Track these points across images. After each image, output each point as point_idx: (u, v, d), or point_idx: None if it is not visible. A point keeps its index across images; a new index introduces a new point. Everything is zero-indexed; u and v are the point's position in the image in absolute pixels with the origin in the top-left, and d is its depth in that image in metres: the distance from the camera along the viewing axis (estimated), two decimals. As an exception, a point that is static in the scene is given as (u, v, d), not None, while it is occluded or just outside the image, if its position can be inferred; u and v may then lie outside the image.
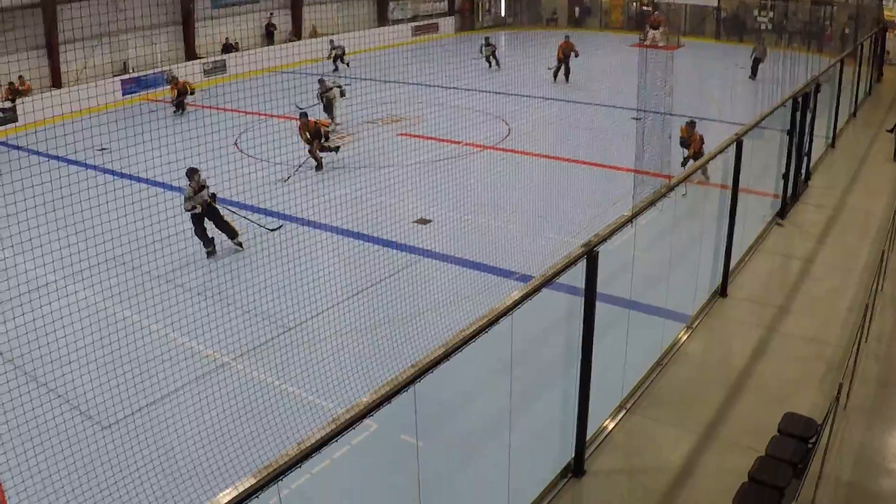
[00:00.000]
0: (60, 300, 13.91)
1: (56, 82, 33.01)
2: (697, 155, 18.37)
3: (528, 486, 8.53)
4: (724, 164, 13.07)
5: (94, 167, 21.68)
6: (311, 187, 19.69)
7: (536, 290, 7.59)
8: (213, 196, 16.51)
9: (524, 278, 13.24)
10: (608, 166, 20.41)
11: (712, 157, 12.20)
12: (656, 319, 12.29)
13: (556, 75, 33.02)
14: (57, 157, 23.79)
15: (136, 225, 17.02)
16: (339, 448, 8.52)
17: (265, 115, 26.26)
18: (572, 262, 8.10)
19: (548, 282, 7.77)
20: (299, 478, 7.76)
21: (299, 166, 21.52)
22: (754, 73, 32.11)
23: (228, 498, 4.88)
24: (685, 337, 11.80)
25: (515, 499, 8.20)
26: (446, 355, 6.47)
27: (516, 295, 7.38)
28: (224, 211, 16.73)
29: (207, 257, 16.41)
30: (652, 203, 10.34)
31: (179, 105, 30.30)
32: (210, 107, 29.65)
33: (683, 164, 18.17)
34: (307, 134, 21.79)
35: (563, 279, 8.08)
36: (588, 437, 8.97)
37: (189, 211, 16.34)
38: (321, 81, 26.20)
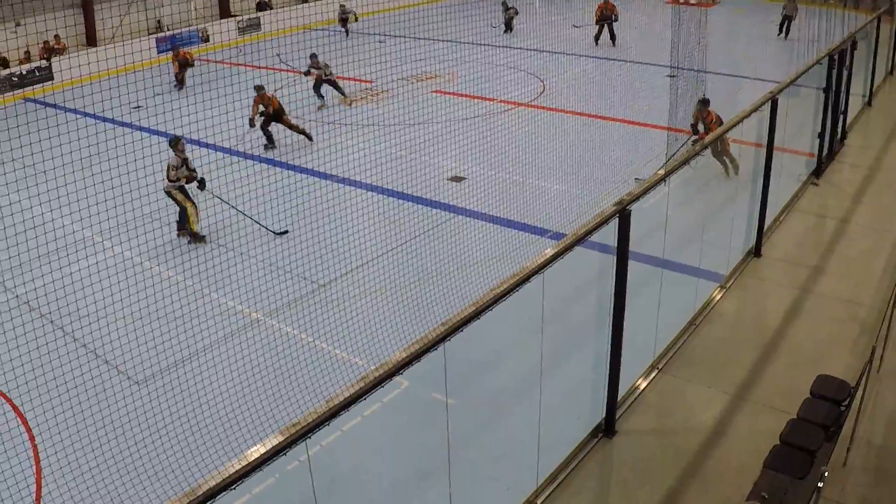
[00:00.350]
0: (94, 256, 14.09)
1: (91, 41, 33.11)
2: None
3: (559, 446, 8.55)
4: (759, 123, 12.90)
5: (129, 125, 21.73)
6: (345, 144, 19.65)
7: (569, 248, 7.56)
8: (202, 182, 15.50)
9: (557, 236, 13.20)
10: (642, 124, 20.21)
11: (746, 116, 12.02)
12: (689, 279, 12.20)
13: (597, 38, 31.12)
14: (91, 115, 23.98)
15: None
16: (369, 405, 8.58)
17: (297, 72, 26.20)
18: (605, 221, 8.05)
19: (580, 240, 7.73)
20: (329, 435, 7.82)
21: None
22: (784, 30, 31.30)
23: (256, 455, 4.90)
24: (719, 296, 11.72)
25: (546, 458, 8.22)
26: (477, 313, 6.46)
27: (549, 253, 7.35)
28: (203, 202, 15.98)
29: (177, 231, 15.71)
30: (685, 161, 10.25)
31: (180, 80, 28.72)
32: (244, 64, 29.61)
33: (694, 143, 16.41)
34: (257, 109, 20.61)
35: (595, 237, 8.04)
36: (619, 397, 8.97)
37: (173, 183, 15.30)
38: (313, 56, 24.57)
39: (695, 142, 15.85)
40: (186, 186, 15.37)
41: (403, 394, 9.90)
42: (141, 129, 22.75)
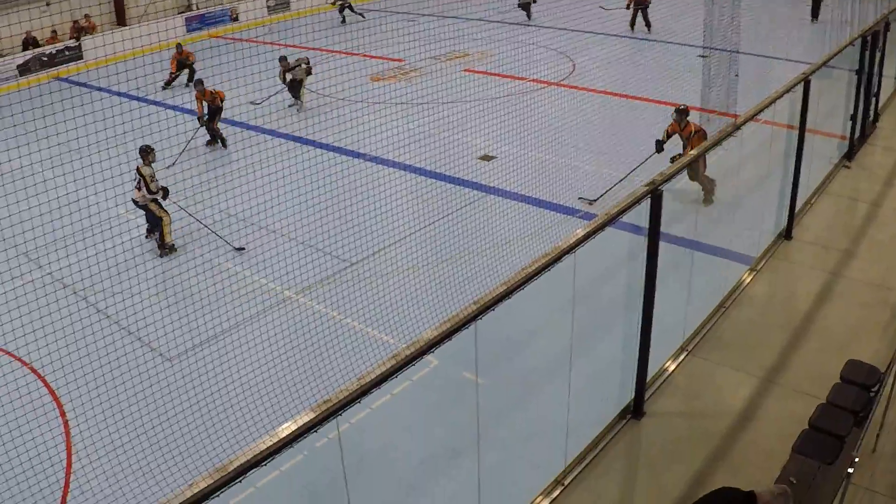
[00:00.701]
0: (128, 234, 14.25)
1: (120, 20, 33.29)
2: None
3: (587, 427, 8.58)
4: (791, 105, 12.80)
5: (158, 103, 21.87)
6: (376, 123, 19.65)
7: (600, 228, 7.56)
8: (165, 191, 14.70)
9: (588, 216, 13.21)
10: (674, 104, 20.08)
11: (779, 97, 11.91)
12: (720, 261, 12.17)
13: (632, 24, 29.70)
14: (122, 94, 24.14)
15: (199, 160, 17.30)
16: (399, 383, 8.64)
17: (328, 50, 26.21)
18: (636, 201, 8.04)
19: (611, 220, 7.73)
20: (359, 412, 7.90)
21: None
22: (815, 14, 30.57)
23: (288, 431, 4.94)
24: (749, 279, 11.68)
25: (574, 438, 8.26)
26: (508, 292, 6.48)
27: (580, 233, 7.35)
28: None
29: (147, 236, 15.11)
30: (717, 142, 10.20)
31: (169, 80, 26.49)
32: (274, 43, 29.63)
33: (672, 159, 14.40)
34: (202, 105, 19.83)
35: (626, 218, 8.04)
36: (648, 379, 8.98)
37: (152, 194, 14.48)
38: (282, 59, 22.44)
39: (673, 159, 14.14)
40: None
41: (433, 372, 9.96)
42: (170, 107, 22.96)
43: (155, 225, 14.75)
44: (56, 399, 10.81)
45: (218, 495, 4.55)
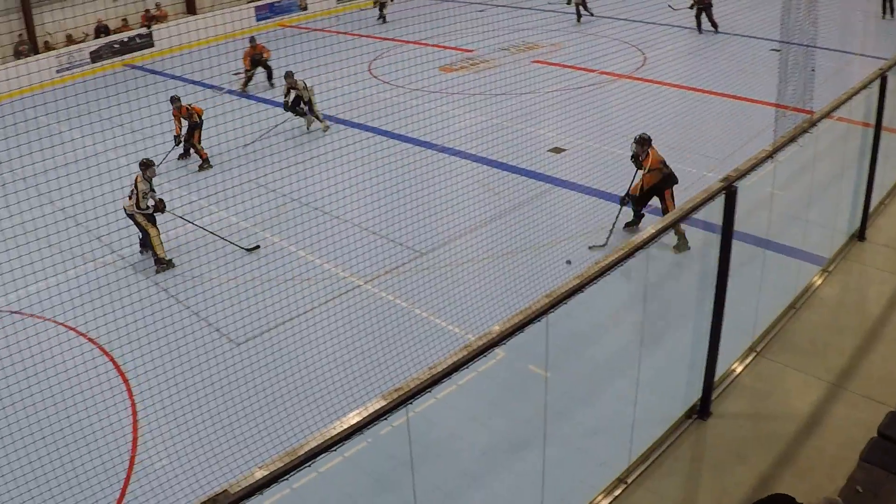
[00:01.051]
0: (199, 220, 14.43)
1: (190, 9, 33.80)
2: (654, 190, 13.37)
3: (652, 425, 8.54)
4: (867, 101, 12.54)
5: (230, 91, 22.14)
6: (446, 113, 19.69)
7: (674, 223, 7.51)
8: (161, 203, 14.10)
9: (656, 211, 13.11)
10: (747, 99, 19.80)
11: (856, 93, 11.67)
12: (791, 260, 12.01)
13: (699, 27, 27.89)
14: (192, 81, 24.57)
15: (273, 148, 17.49)
16: (465, 374, 8.69)
17: (399, 40, 26.32)
18: (710, 197, 7.95)
19: (685, 216, 7.68)
20: (424, 402, 7.98)
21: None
22: (888, 9, 29.66)
23: (359, 418, 4.99)
24: (820, 281, 11.50)
25: (639, 436, 8.23)
26: (581, 286, 6.44)
27: (653, 229, 7.31)
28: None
29: (140, 251, 14.56)
30: (793, 139, 10.04)
31: (247, 79, 24.85)
32: (345, 32, 29.85)
33: (623, 202, 13.55)
34: (179, 123, 18.67)
35: (698, 214, 7.98)
36: (715, 379, 8.91)
37: (141, 210, 13.88)
38: (288, 75, 19.92)
39: (623, 200, 13.45)
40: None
41: (499, 364, 10.00)
42: (241, 95, 23.23)
43: (146, 241, 14.24)
44: (124, 379, 11.08)
45: (287, 478, 4.64)
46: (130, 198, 13.82)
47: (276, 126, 20.06)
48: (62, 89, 24.98)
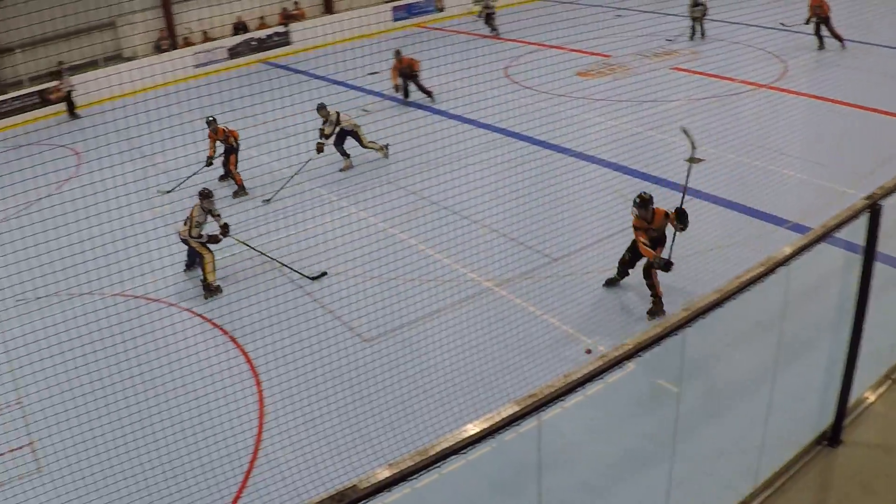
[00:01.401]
0: (331, 214, 14.71)
1: (328, 8, 34.50)
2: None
3: (780, 449, 8.31)
4: None
5: (361, 89, 22.45)
6: (582, 118, 19.54)
7: (816, 241, 7.26)
8: (226, 227, 13.94)
9: (797, 227, 12.75)
10: (893, 114, 19.04)
11: None
12: (935, 286, 11.51)
13: (820, 44, 25.21)
14: (327, 79, 25.01)
15: (414, 151, 17.68)
16: (592, 385, 8.60)
17: (536, 43, 26.27)
18: (854, 216, 7.67)
19: (828, 234, 7.43)
20: (551, 410, 7.94)
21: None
22: None
23: (491, 423, 4.97)
24: (967, 308, 10.98)
25: (766, 459, 8.02)
26: (720, 301, 6.27)
27: (796, 243, 7.08)
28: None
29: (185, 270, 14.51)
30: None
31: (404, 91, 23.07)
32: (480, 34, 29.94)
33: (621, 273, 12.48)
34: (214, 145, 18.16)
35: (840, 233, 7.71)
36: (848, 405, 8.59)
37: (195, 239, 13.73)
38: (321, 108, 18.21)
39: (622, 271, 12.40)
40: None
41: (628, 377, 9.84)
42: (375, 94, 23.52)
43: (193, 260, 14.29)
44: (253, 370, 11.45)
45: (415, 478, 4.66)
46: (185, 224, 13.75)
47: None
48: (195, 88, 25.68)
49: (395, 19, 34.11)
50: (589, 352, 10.55)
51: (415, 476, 4.71)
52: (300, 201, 16.44)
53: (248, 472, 9.51)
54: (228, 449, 9.57)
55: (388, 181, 16.57)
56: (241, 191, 18.08)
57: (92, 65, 28.76)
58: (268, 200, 17.04)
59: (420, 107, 21.17)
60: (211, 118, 17.87)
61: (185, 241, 13.83)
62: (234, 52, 31.42)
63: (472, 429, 4.94)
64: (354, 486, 4.34)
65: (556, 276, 12.85)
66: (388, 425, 9.67)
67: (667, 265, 11.28)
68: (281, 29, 32.46)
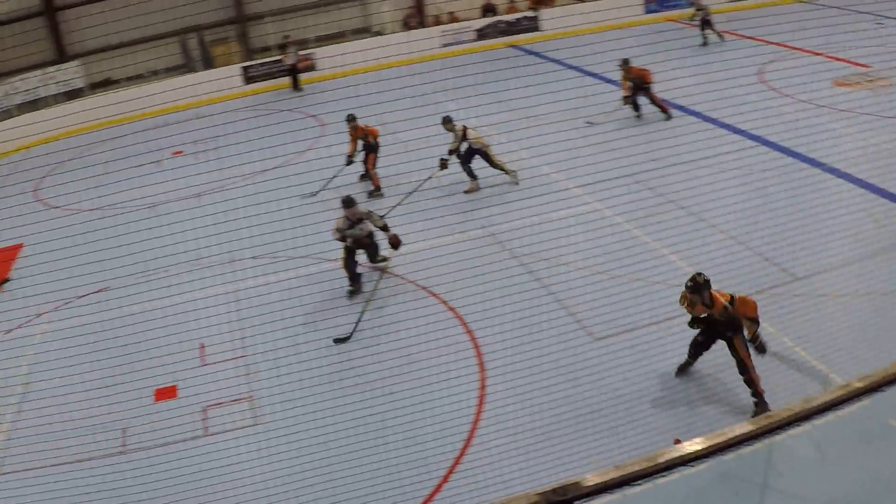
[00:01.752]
0: (573, 209, 14.56)
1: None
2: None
3: None
4: None
5: (614, 81, 22.02)
6: (836, 132, 18.40)
7: None
8: (385, 227, 13.44)
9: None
10: None
11: None
12: None
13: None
14: (577, 68, 24.78)
15: (652, 146, 17.27)
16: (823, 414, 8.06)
17: (790, 46, 25.14)
18: None
19: None
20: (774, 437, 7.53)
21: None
22: None
23: (722, 438, 4.66)
24: None
25: None
26: None
27: None
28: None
29: (349, 296, 13.57)
30: None
31: (633, 104, 20.80)
32: (732, 33, 28.84)
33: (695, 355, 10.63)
34: (355, 143, 17.74)
35: None
36: None
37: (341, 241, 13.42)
38: (446, 121, 17.06)
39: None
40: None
41: (858, 411, 9.20)
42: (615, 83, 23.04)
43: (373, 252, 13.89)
44: (479, 353, 11.55)
45: (640, 483, 4.47)
46: (335, 231, 13.35)
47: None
48: (440, 71, 25.75)
49: (648, 11, 33.22)
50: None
51: (639, 482, 4.51)
52: (537, 185, 16.30)
53: (461, 453, 9.62)
54: (444, 427, 9.66)
55: (635, 181, 16.08)
56: (376, 191, 17.61)
57: (338, 36, 30.19)
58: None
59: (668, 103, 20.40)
60: (350, 115, 17.44)
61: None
62: (482, 34, 31.84)
63: (703, 442, 4.69)
64: (577, 482, 4.19)
65: (798, 295, 12.13)
66: (607, 428, 9.43)
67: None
68: (530, 13, 32.52)
